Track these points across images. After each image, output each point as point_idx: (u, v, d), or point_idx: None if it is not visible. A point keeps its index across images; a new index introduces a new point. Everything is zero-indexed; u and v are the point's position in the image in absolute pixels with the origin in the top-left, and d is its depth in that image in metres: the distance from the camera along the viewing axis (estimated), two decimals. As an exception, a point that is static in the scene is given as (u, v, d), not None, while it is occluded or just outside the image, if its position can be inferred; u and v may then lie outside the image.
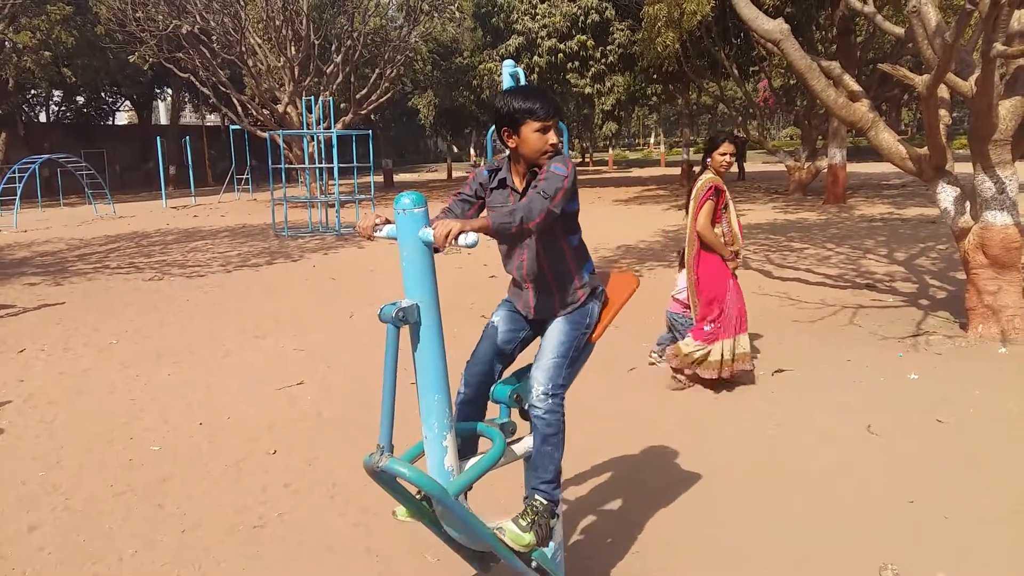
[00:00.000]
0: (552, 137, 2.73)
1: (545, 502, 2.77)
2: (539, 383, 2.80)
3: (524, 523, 2.69)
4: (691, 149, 31.58)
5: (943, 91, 6.99)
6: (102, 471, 4.72)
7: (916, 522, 3.75)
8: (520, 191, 2.81)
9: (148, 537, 3.90)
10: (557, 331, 2.90)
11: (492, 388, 2.94)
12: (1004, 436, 4.79)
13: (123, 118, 56.60)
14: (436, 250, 2.46)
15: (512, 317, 3.02)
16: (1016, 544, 3.52)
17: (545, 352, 2.87)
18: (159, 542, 3.85)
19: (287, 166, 20.88)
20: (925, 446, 4.67)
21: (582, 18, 26.33)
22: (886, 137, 7.41)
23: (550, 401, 2.77)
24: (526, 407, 2.91)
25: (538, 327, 3.02)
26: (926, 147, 7.20)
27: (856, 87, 7.74)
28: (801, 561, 3.45)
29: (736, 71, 24.46)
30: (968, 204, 7.09)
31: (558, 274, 2.89)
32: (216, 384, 6.45)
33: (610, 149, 51.67)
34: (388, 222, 2.59)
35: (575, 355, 2.90)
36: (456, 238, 2.33)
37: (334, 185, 18.92)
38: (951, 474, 4.27)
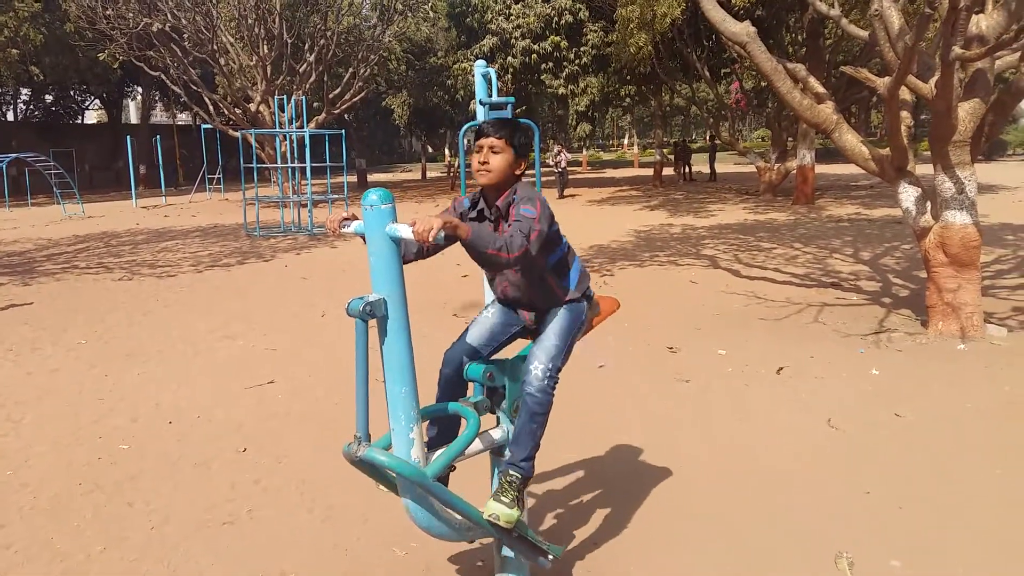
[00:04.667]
0: (481, 156, 2.85)
1: (521, 477, 2.86)
2: (540, 361, 2.88)
3: (508, 499, 2.79)
4: (664, 150, 31.79)
5: (905, 93, 7.15)
6: (70, 470, 4.71)
7: (872, 512, 3.86)
8: (491, 219, 2.90)
9: (116, 534, 3.90)
10: (559, 317, 2.99)
11: (467, 367, 3.01)
12: (960, 430, 4.92)
13: (92, 117, 55.94)
14: (420, 256, 2.54)
15: (507, 310, 3.11)
16: (967, 533, 3.63)
17: (548, 335, 2.95)
18: (128, 539, 3.85)
19: (259, 165, 20.77)
20: (883, 439, 4.79)
21: (556, 19, 26.48)
22: (849, 138, 7.56)
23: (546, 381, 2.86)
24: (499, 387, 3.00)
25: (531, 330, 3.11)
26: (888, 148, 7.36)
27: (821, 89, 7.89)
28: (760, 550, 3.54)
29: (708, 73, 24.70)
30: (929, 204, 7.26)
31: (538, 294, 3.00)
32: (186, 383, 6.44)
33: (584, 150, 51.87)
34: (355, 218, 2.65)
35: (571, 343, 3.01)
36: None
37: (307, 185, 18.86)
38: (907, 466, 4.39)
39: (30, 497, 4.35)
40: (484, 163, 2.85)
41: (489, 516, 2.76)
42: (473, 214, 2.94)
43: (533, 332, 3.07)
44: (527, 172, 3.00)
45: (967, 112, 6.82)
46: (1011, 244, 12.22)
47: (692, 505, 4.02)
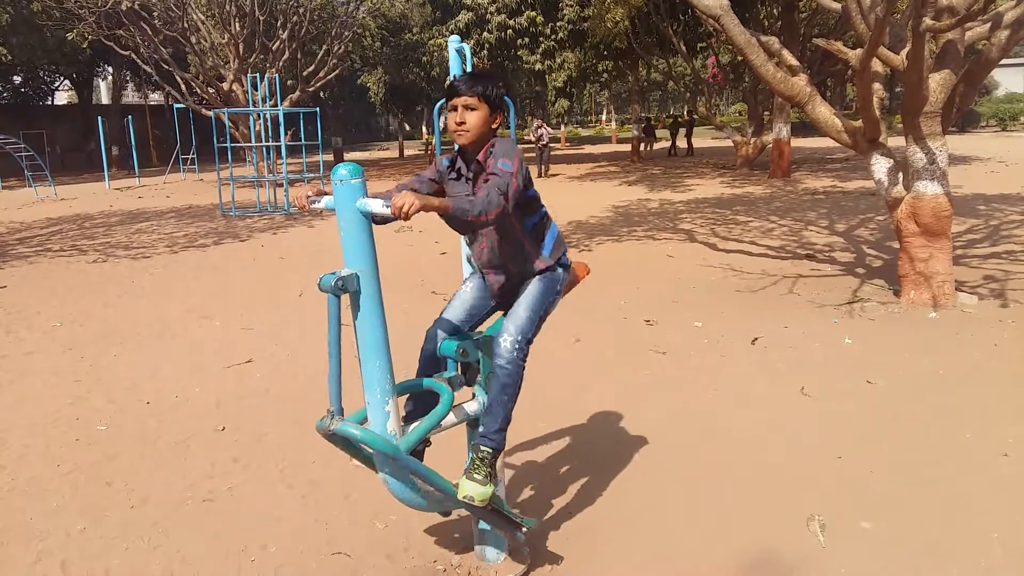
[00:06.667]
0: (457, 116, 2.79)
1: (492, 449, 2.88)
2: (510, 333, 2.88)
3: (480, 477, 2.80)
4: (640, 125, 31.75)
5: (877, 65, 7.19)
6: (48, 451, 4.70)
7: (843, 476, 3.94)
8: (469, 177, 2.87)
9: (96, 514, 3.91)
10: (532, 288, 2.99)
11: (440, 343, 3.02)
12: (929, 397, 5.01)
13: (63, 98, 54.99)
14: (386, 221, 2.53)
15: (484, 285, 3.12)
16: (936, 496, 3.72)
17: (519, 306, 2.95)
18: (107, 518, 3.86)
19: (234, 145, 20.54)
20: (855, 406, 4.88)
21: (531, -6, 26.26)
22: (822, 111, 7.60)
23: (515, 353, 2.86)
24: (472, 362, 3.02)
25: (503, 304, 3.12)
26: (860, 120, 7.41)
27: (794, 62, 7.91)
28: (734, 513, 3.60)
29: (684, 47, 24.67)
30: (901, 175, 7.33)
31: (515, 258, 2.98)
32: (163, 364, 6.42)
33: (562, 126, 51.76)
34: (325, 193, 2.66)
35: (544, 315, 3.01)
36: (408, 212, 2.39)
37: (282, 164, 18.68)
38: (878, 432, 4.48)
39: (8, 479, 4.34)
40: (461, 123, 2.80)
41: (464, 497, 2.79)
42: (453, 174, 2.93)
43: (508, 306, 3.08)
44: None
45: (938, 83, 6.87)
46: (983, 214, 12.37)
47: (667, 472, 4.08)
